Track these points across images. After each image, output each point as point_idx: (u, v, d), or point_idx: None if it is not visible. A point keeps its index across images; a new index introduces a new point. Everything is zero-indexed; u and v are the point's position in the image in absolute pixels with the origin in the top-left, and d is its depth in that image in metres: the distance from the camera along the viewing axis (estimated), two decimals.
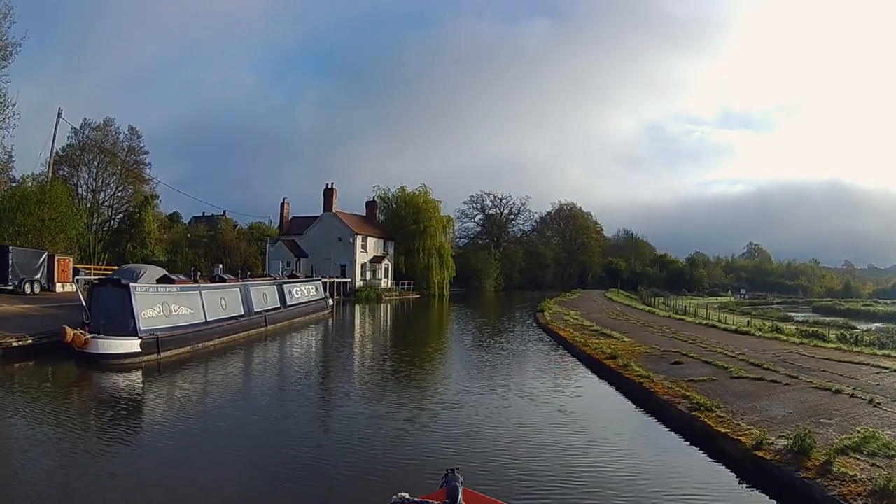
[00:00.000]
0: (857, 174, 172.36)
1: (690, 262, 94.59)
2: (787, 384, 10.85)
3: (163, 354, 14.98)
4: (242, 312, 20.06)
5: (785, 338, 19.21)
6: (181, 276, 18.18)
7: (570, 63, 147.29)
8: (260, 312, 21.44)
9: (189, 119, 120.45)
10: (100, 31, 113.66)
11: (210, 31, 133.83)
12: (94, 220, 48.80)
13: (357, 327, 28.02)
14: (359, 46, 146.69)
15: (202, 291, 17.74)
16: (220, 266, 25.38)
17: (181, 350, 15.74)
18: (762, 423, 8.14)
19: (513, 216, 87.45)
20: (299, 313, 25.82)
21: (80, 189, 47.14)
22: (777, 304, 65.41)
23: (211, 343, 17.19)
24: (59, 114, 38.72)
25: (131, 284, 14.95)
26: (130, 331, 14.58)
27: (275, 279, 26.76)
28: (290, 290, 25.62)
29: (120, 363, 14.05)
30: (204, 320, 17.25)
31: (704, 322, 25.54)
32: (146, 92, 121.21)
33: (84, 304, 15.54)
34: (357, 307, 39.16)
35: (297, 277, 30.85)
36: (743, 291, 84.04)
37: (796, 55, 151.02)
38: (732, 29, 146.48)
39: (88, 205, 47.52)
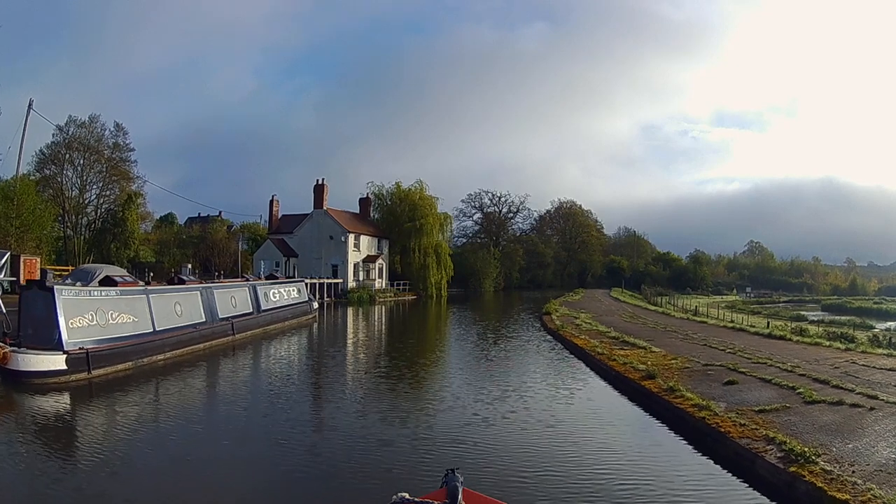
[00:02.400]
0: (852, 172, 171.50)
1: (693, 260, 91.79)
2: (871, 408, 8.79)
3: (95, 372, 12.38)
4: (203, 319, 17.30)
5: (827, 343, 17.11)
6: (127, 279, 15.39)
7: (568, 67, 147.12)
8: (226, 319, 18.67)
9: (192, 122, 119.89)
10: (106, 36, 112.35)
11: (214, 37, 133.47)
12: (80, 220, 46.70)
13: (344, 333, 25.29)
14: (360, 51, 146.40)
15: (150, 296, 14.99)
16: (189, 266, 22.80)
17: (120, 366, 13.11)
18: (878, 477, 6.13)
19: (512, 215, 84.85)
20: (276, 319, 23.04)
21: (65, 188, 45.07)
22: (784, 302, 63.87)
23: (160, 357, 14.54)
24: (30, 105, 36.12)
25: (56, 287, 12.27)
26: (55, 344, 11.99)
27: (248, 280, 23.99)
28: (265, 293, 22.78)
29: (43, 382, 11.62)
30: (152, 330, 14.57)
31: (729, 325, 22.90)
32: (150, 96, 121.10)
33: (3, 310, 12.94)
34: (349, 310, 36.69)
35: (277, 278, 28.01)
36: (748, 290, 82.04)
37: (790, 56, 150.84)
38: (727, 32, 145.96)
39: (74, 204, 45.33)
